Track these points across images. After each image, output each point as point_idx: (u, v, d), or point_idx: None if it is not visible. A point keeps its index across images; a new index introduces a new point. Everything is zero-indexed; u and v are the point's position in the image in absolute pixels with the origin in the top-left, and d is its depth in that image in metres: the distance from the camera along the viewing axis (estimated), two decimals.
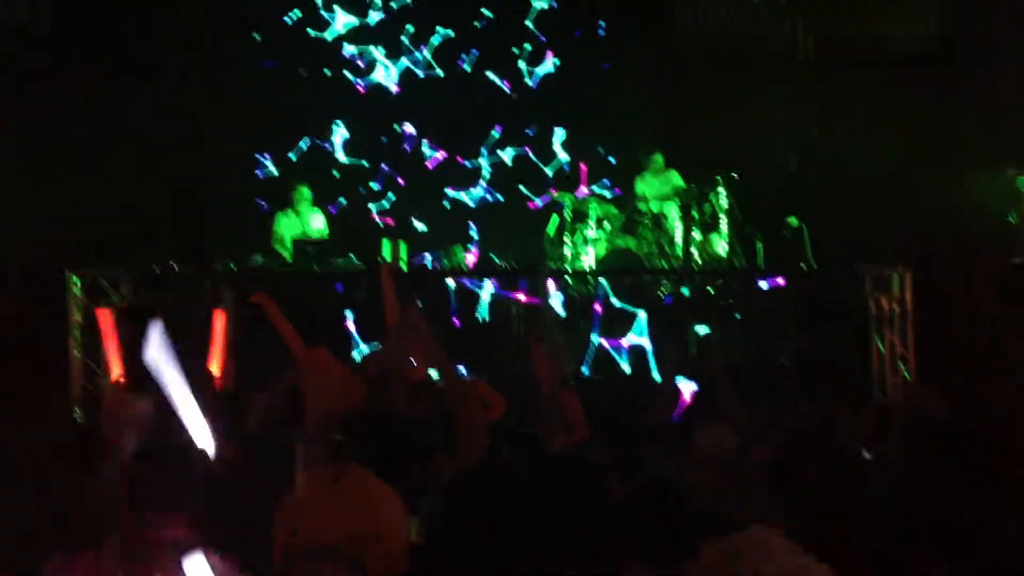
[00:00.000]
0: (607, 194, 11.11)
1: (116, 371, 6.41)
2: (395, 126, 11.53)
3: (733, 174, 10.09)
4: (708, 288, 9.44)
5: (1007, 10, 11.21)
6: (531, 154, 11.64)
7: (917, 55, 11.68)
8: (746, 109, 12.20)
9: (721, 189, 10.00)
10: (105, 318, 7.91)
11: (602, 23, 11.88)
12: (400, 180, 11.51)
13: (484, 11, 11.74)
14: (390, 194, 11.48)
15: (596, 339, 8.97)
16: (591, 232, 9.94)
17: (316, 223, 10.16)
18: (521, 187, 11.60)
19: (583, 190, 11.10)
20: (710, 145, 11.81)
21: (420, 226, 11.25)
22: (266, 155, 11.28)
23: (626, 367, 8.97)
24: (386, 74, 11.64)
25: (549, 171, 11.59)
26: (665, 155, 11.19)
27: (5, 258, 10.32)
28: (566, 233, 10.04)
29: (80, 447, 4.44)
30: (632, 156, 11.14)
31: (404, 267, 9.91)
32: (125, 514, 3.07)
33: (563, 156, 11.62)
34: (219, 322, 7.20)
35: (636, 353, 8.98)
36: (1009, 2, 11.25)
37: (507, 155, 11.63)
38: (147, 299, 8.84)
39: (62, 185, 10.51)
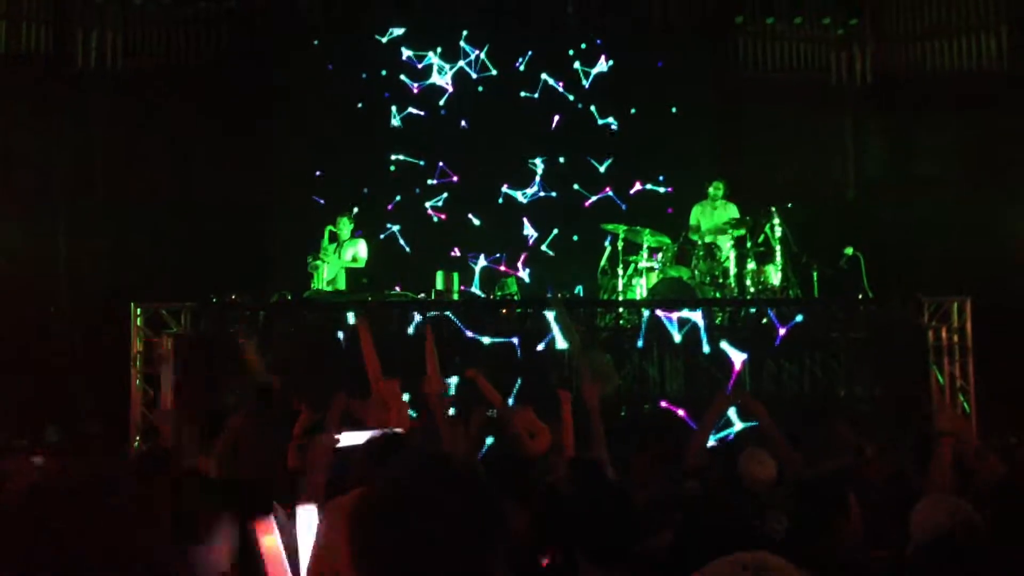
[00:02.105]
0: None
1: (168, 399, 6.57)
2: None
3: (788, 204, 10.00)
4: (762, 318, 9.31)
5: None
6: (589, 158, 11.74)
7: (979, 81, 11.53)
8: (803, 139, 12.15)
9: (776, 219, 9.91)
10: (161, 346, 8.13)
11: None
12: (454, 177, 11.63)
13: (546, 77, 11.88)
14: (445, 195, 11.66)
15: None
16: (644, 263, 9.93)
17: (360, 252, 10.26)
18: (576, 186, 11.68)
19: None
20: (767, 175, 11.77)
21: (475, 221, 11.48)
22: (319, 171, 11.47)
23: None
24: (440, 76, 11.82)
25: (602, 168, 11.65)
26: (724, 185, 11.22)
27: (79, 291, 10.72)
28: (618, 264, 10.04)
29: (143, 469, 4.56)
30: (689, 185, 11.13)
31: (456, 297, 9.98)
32: None
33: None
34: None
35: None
36: None
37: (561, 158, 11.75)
38: (206, 330, 9.07)
39: (133, 223, 10.90)
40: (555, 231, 11.55)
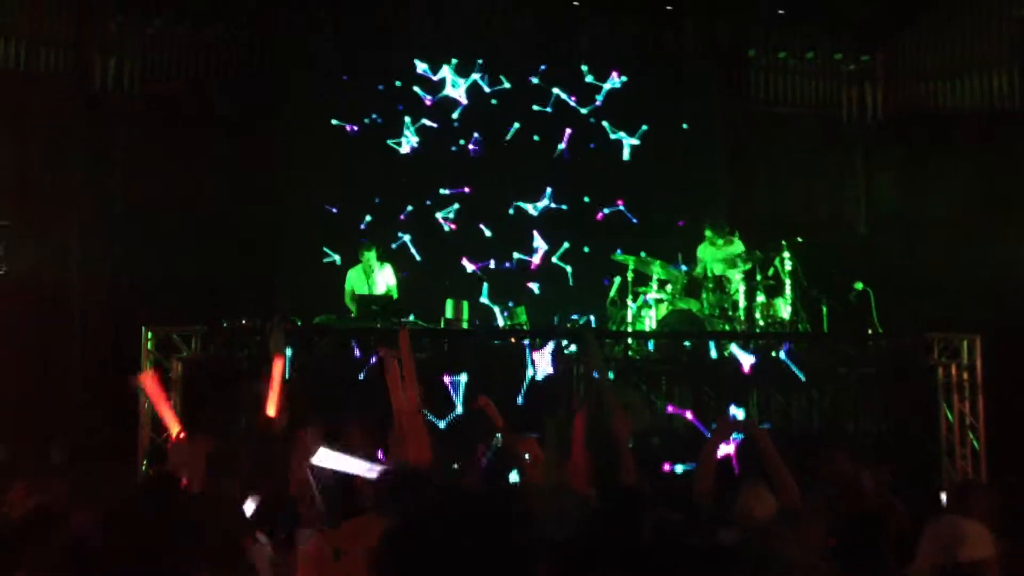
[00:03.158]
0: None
1: (175, 427, 6.56)
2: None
3: (798, 238, 10.02)
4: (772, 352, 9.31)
5: None
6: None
7: (990, 118, 11.56)
8: (814, 174, 12.19)
9: (786, 253, 9.93)
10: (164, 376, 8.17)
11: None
12: (466, 188, 11.69)
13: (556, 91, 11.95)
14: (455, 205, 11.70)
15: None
16: (653, 294, 9.93)
17: (388, 279, 10.31)
18: (586, 199, 11.74)
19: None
20: (777, 208, 11.80)
21: (486, 232, 11.56)
22: (333, 208, 11.52)
23: None
24: (455, 87, 11.89)
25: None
26: (731, 217, 11.22)
27: (91, 311, 10.77)
28: (628, 295, 10.05)
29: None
30: (698, 216, 11.17)
31: (466, 326, 9.99)
32: None
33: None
34: (277, 368, 7.34)
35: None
36: None
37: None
38: (216, 354, 9.10)
39: (147, 244, 10.97)
40: (566, 244, 11.55)
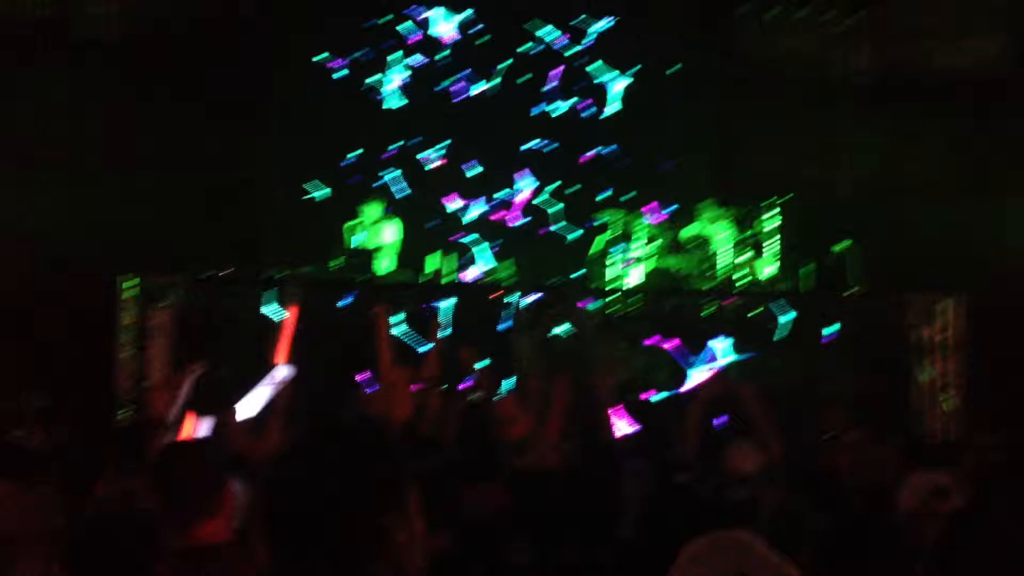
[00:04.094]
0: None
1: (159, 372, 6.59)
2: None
3: (783, 197, 10.02)
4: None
5: None
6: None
7: (980, 83, 11.52)
8: (801, 133, 12.14)
9: (771, 211, 9.94)
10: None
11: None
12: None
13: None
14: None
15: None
16: (636, 252, 9.94)
17: (389, 235, 10.27)
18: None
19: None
20: (763, 167, 11.76)
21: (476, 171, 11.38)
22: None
23: None
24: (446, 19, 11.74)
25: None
26: (719, 174, 11.23)
27: (62, 263, 10.69)
28: (610, 252, 10.04)
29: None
30: (686, 175, 11.14)
31: (451, 280, 9.98)
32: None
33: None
34: (291, 317, 7.37)
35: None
36: None
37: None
38: (199, 304, 9.10)
39: (121, 193, 10.87)
40: (558, 182, 11.47)
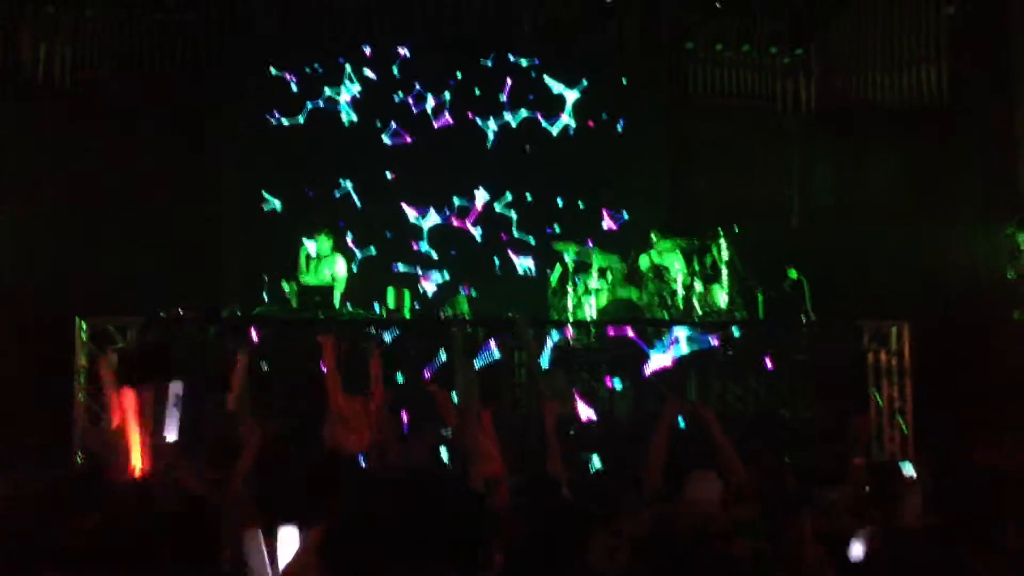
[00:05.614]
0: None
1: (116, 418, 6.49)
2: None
3: (735, 227, 10.21)
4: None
5: (1007, 71, 11.41)
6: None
7: (920, 113, 11.87)
8: (750, 164, 12.40)
9: (722, 241, 10.11)
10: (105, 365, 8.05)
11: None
12: (408, 139, 11.57)
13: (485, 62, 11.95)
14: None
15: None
16: (593, 283, 10.04)
17: (339, 270, 10.26)
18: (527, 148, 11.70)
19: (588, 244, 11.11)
20: (715, 198, 11.98)
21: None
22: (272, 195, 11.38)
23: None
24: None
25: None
26: (670, 206, 11.42)
27: (20, 307, 10.53)
28: (568, 284, 10.13)
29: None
30: (638, 205, 11.29)
31: (407, 315, 9.99)
32: None
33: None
34: (241, 363, 7.33)
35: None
36: (1008, 63, 11.45)
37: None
38: (153, 344, 8.99)
39: (82, 237, 10.77)
40: (508, 195, 11.53)
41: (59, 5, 11.29)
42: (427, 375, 8.59)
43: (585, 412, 8.56)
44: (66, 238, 10.83)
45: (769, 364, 9.08)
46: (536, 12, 12.06)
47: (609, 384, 9.20)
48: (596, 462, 8.70)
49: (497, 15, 12.01)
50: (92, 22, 11.38)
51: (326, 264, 10.25)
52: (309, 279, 10.11)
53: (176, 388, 5.52)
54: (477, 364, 8.91)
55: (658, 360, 8.77)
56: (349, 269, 10.45)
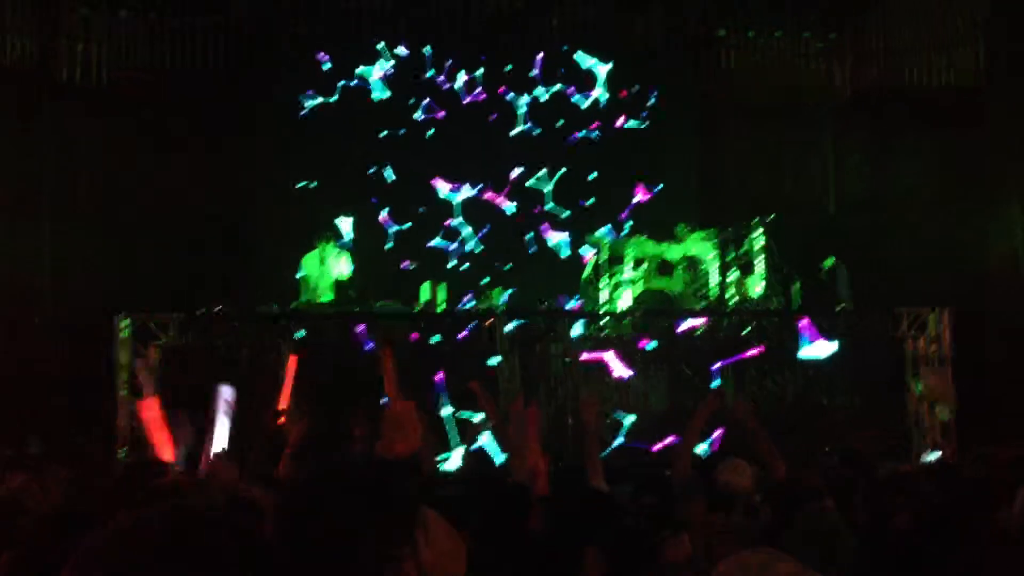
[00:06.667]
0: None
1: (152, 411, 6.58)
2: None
3: (770, 216, 10.13)
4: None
5: None
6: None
7: (956, 96, 11.68)
8: (784, 151, 12.29)
9: (758, 231, 10.04)
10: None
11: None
12: (440, 113, 11.57)
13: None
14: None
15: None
16: (627, 274, 10.02)
17: (342, 268, 10.28)
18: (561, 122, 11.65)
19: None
20: (747, 187, 11.89)
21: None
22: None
23: None
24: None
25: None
26: (702, 195, 11.36)
27: (63, 302, 10.70)
28: (603, 275, 10.12)
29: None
30: (670, 195, 11.22)
31: (442, 309, 10.01)
32: None
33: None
34: (292, 365, 7.38)
35: None
36: None
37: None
38: (193, 341, 9.12)
39: (117, 234, 10.92)
40: (544, 170, 11.44)
41: (94, 7, 11.43)
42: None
43: (619, 370, 8.62)
44: (98, 237, 10.97)
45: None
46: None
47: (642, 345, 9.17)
48: (627, 422, 8.73)
49: (527, 7, 12.01)
50: (125, 24, 11.51)
51: (330, 267, 10.24)
52: (311, 267, 10.13)
53: (226, 394, 5.49)
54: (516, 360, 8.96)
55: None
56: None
